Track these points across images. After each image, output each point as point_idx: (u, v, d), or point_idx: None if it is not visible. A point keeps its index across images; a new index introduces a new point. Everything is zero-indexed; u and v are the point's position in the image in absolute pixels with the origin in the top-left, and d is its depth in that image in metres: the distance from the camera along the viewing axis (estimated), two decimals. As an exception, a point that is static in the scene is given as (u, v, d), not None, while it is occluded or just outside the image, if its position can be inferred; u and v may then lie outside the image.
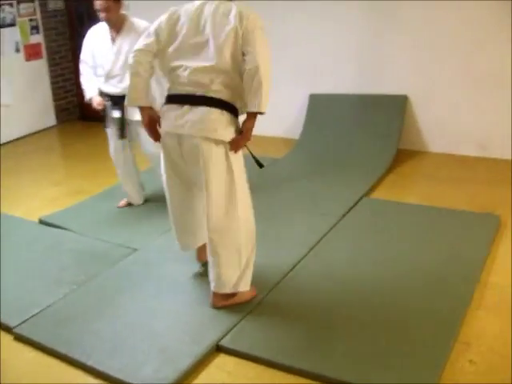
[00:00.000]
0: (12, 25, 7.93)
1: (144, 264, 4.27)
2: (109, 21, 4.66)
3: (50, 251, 4.57)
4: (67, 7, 8.62)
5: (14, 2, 7.89)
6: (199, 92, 3.38)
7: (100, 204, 5.48)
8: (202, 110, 3.36)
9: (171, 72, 3.49)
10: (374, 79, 6.34)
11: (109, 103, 4.86)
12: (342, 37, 6.43)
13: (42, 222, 5.17)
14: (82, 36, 4.72)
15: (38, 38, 8.32)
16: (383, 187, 5.45)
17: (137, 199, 5.36)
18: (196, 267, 4.11)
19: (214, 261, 3.56)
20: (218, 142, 3.36)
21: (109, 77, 4.82)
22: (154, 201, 5.34)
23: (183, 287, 3.95)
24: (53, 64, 8.63)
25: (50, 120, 8.75)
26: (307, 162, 6.14)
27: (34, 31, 8.22)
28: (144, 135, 4.23)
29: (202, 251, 3.96)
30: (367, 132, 6.21)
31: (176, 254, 4.15)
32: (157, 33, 3.44)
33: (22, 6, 8.00)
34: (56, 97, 8.78)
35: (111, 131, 5.01)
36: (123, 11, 4.73)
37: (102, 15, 4.61)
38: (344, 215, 4.83)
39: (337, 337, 3.34)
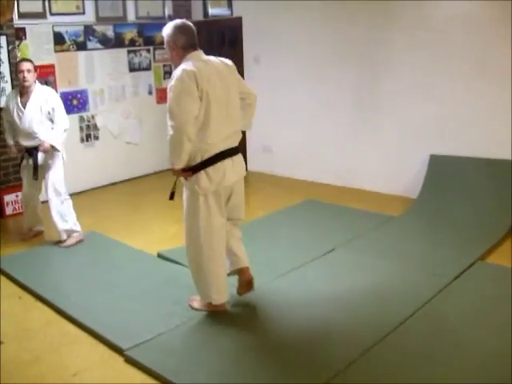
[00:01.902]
0: (147, 69, 8.46)
1: (246, 305, 4.37)
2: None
3: (166, 284, 4.77)
4: (199, 56, 9.00)
5: (151, 48, 8.41)
6: (234, 144, 4.04)
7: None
8: (239, 157, 4.10)
9: (206, 130, 3.83)
10: (498, 143, 6.23)
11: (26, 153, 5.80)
12: (469, 99, 6.40)
13: (160, 255, 5.40)
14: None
15: (169, 83, 8.74)
16: (499, 253, 5.31)
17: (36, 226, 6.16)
18: (304, 303, 4.19)
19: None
20: None
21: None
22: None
23: (287, 327, 4.00)
24: (181, 108, 8.97)
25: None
26: (423, 222, 6.10)
27: (167, 76, 8.67)
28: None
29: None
30: (486, 196, 6.10)
31: (283, 297, 4.38)
32: (195, 95, 3.72)
33: (158, 51, 8.51)
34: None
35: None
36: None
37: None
38: (456, 277, 4.72)
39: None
